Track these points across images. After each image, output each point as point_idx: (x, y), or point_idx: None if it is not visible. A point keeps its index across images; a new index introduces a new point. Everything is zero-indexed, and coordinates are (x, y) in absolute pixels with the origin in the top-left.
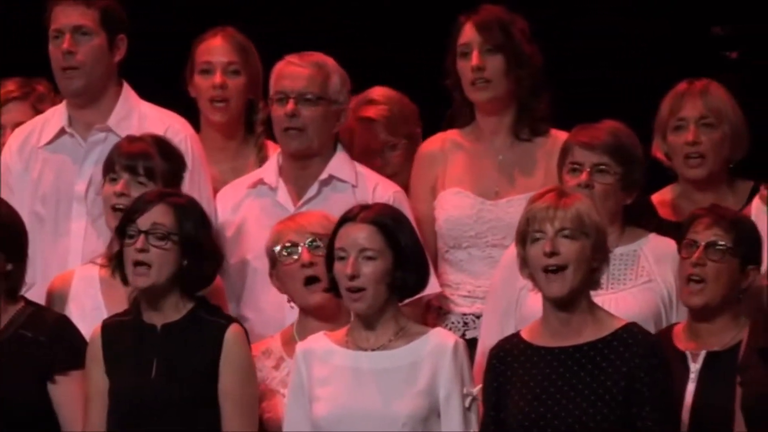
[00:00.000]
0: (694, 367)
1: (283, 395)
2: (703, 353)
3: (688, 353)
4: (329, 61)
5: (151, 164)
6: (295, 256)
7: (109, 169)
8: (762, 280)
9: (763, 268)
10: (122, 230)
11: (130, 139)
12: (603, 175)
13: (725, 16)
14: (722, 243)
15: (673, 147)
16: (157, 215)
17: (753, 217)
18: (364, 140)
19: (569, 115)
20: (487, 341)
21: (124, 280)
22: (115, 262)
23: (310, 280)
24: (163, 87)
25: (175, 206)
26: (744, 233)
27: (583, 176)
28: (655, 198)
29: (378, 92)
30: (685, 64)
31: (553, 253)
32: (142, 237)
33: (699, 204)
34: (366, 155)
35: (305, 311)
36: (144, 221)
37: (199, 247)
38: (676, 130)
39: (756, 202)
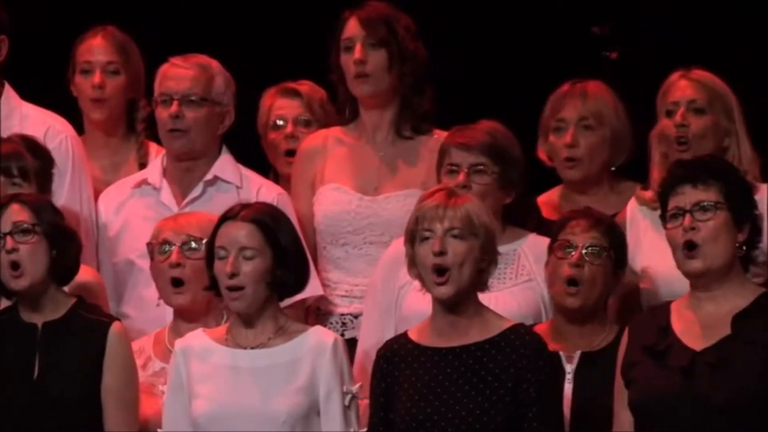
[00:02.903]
0: (570, 368)
1: (153, 394)
2: (578, 354)
3: (562, 354)
4: (213, 63)
5: (23, 164)
6: (166, 255)
7: None
8: (639, 282)
9: (638, 268)
10: None
11: None
12: (480, 175)
13: (605, 16)
14: (601, 246)
15: (553, 148)
16: (14, 214)
17: (628, 218)
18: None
19: (452, 114)
20: (366, 340)
21: (4, 294)
22: None
23: (176, 282)
24: (46, 87)
25: (27, 202)
26: (616, 237)
27: (461, 177)
28: (542, 198)
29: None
30: (565, 65)
31: (441, 252)
32: (8, 238)
33: (579, 205)
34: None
35: (176, 312)
36: (4, 224)
37: (62, 234)
38: (556, 131)
39: (632, 203)
